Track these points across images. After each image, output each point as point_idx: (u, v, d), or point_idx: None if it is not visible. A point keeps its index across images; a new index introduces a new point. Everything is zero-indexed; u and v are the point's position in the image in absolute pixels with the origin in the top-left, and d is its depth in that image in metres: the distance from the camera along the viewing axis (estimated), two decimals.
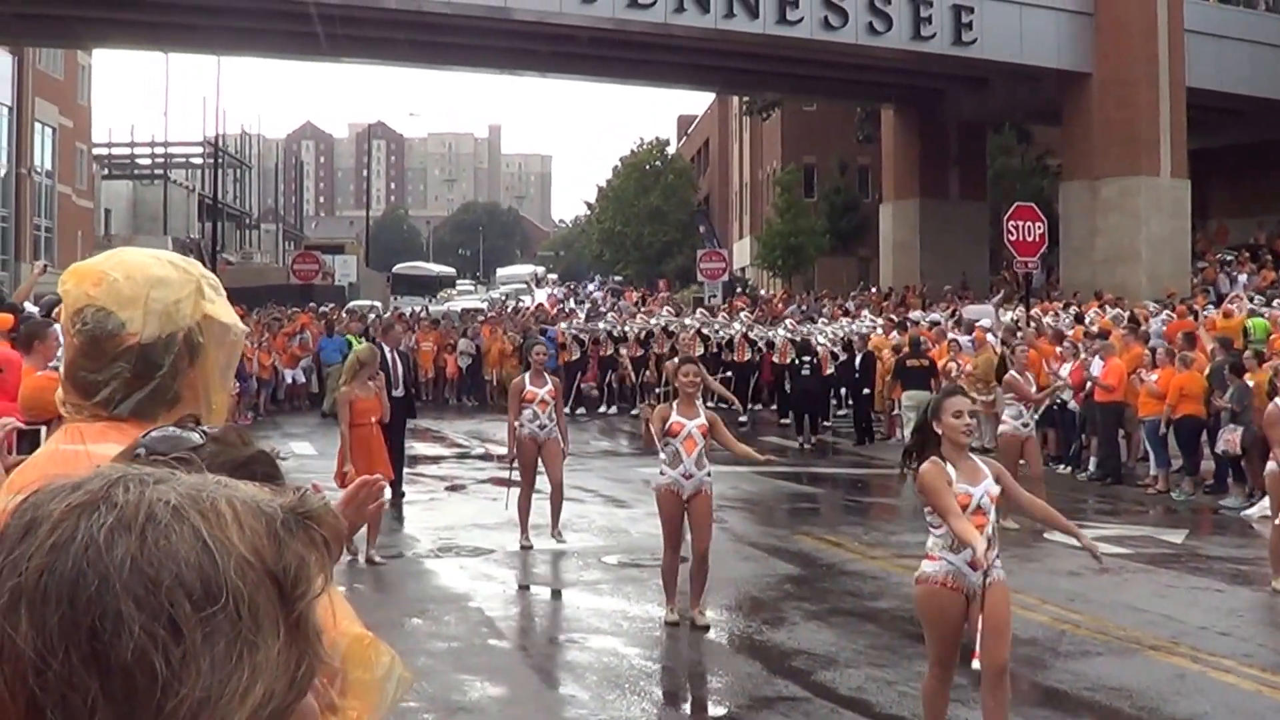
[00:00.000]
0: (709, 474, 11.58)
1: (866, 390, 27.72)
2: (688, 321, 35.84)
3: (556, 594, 13.41)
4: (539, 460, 15.27)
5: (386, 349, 19.00)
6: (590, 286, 72.85)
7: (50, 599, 1.06)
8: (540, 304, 48.57)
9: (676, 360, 11.99)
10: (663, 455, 11.57)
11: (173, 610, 1.06)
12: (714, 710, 9.61)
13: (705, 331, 33.93)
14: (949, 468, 7.50)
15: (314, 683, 1.17)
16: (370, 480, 2.78)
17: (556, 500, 15.41)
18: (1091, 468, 21.85)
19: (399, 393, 18.47)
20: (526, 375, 15.62)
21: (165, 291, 2.47)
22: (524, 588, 13.61)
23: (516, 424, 15.18)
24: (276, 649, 1.10)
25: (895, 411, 26.40)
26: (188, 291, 2.50)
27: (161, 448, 1.62)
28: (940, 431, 7.59)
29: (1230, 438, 18.69)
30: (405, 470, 20.20)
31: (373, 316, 39.58)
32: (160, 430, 1.76)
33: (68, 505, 1.10)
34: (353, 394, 14.62)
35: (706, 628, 11.33)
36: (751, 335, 33.46)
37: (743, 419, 28.43)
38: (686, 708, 9.41)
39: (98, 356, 2.45)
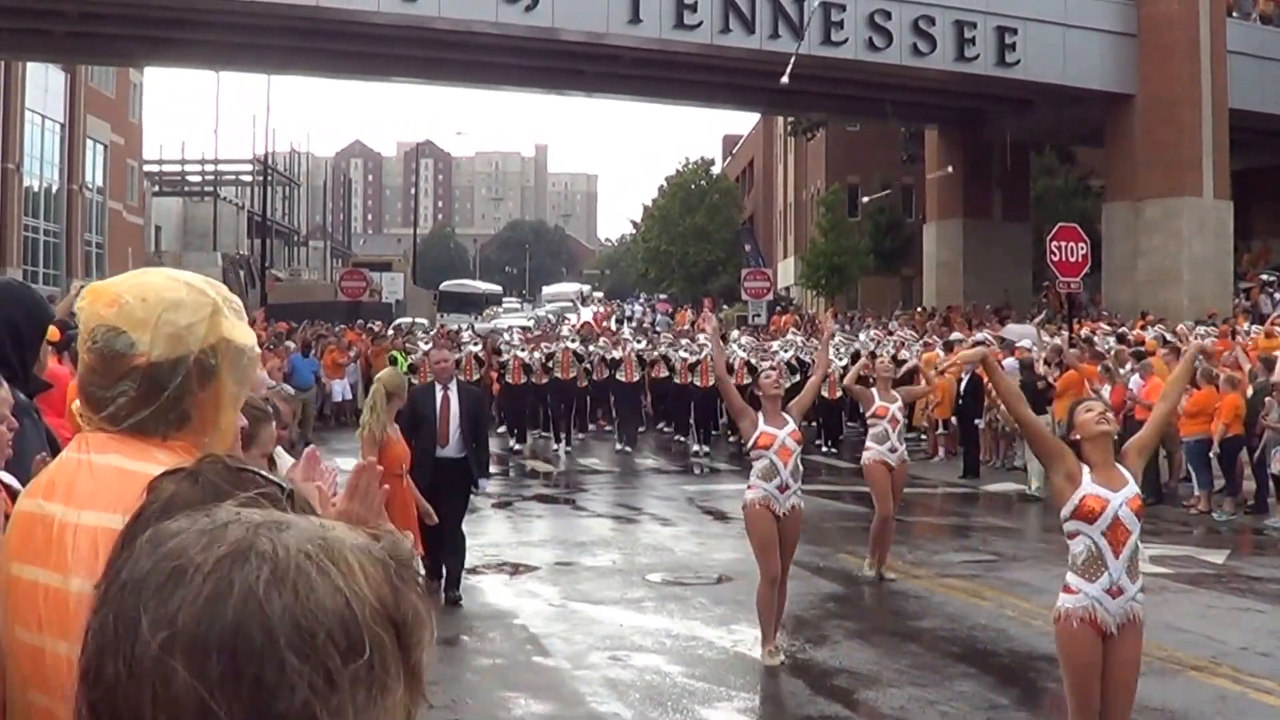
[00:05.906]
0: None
1: (977, 421, 25.48)
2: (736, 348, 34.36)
3: (600, 612, 13.39)
4: (778, 541, 11.04)
5: (438, 387, 13.55)
6: (636, 307, 72.87)
7: (211, 650, 1.09)
8: (586, 322, 48.57)
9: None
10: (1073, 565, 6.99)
11: (328, 662, 1.11)
12: None
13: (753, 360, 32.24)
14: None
15: None
16: (364, 465, 2.30)
17: (780, 599, 11.28)
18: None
19: (450, 451, 13.22)
20: (760, 414, 11.13)
21: (178, 314, 2.54)
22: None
23: (749, 488, 11.20)
24: (399, 693, 1.17)
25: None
26: (202, 315, 2.56)
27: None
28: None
29: None
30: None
31: (420, 334, 39.64)
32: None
33: (218, 557, 1.14)
34: (383, 433, 11.76)
35: None
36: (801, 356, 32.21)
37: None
38: None
39: (107, 373, 2.53)
